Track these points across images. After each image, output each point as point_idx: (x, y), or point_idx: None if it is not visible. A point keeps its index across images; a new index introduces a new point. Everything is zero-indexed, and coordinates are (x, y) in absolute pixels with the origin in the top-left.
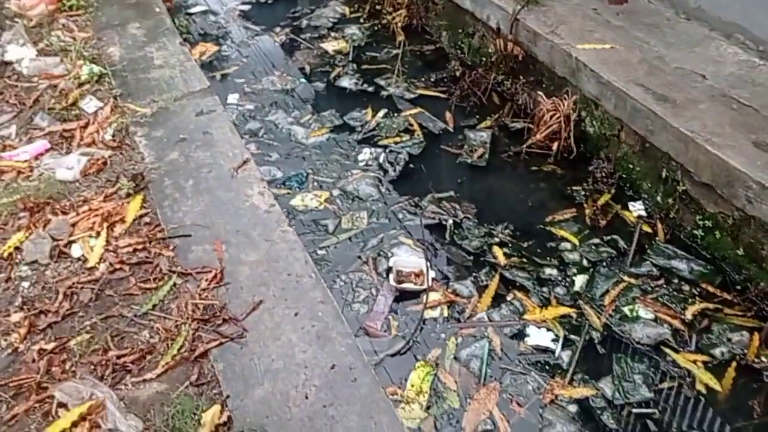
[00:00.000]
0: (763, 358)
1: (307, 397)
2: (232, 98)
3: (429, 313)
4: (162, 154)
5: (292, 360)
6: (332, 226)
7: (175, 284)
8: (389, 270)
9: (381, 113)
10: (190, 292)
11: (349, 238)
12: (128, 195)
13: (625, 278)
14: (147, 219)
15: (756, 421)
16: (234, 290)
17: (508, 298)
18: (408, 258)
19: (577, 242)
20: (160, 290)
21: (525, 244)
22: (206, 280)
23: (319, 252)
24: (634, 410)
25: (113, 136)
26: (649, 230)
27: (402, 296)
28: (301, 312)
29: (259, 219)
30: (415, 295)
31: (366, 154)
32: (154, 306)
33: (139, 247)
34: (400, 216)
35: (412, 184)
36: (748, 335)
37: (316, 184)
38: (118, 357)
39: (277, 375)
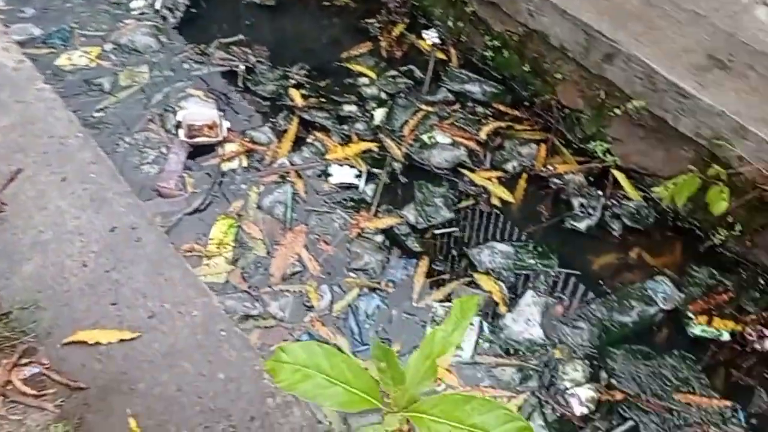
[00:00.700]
0: (549, 167)
1: (85, 265)
2: None
3: (227, 165)
4: None
5: (63, 228)
6: (109, 84)
7: None
8: (179, 125)
9: None
10: None
11: (130, 96)
12: None
13: (423, 107)
14: None
15: (544, 224)
16: None
17: (309, 140)
18: (199, 110)
19: (374, 76)
20: None
21: (322, 84)
22: None
23: (96, 114)
24: (437, 231)
25: None
26: (444, 57)
27: (196, 151)
28: (70, 176)
29: (7, 78)
30: (210, 148)
31: (139, 0)
32: None
33: None
34: (186, 66)
35: (197, 30)
36: (536, 147)
37: (83, 39)
38: None
39: (47, 246)
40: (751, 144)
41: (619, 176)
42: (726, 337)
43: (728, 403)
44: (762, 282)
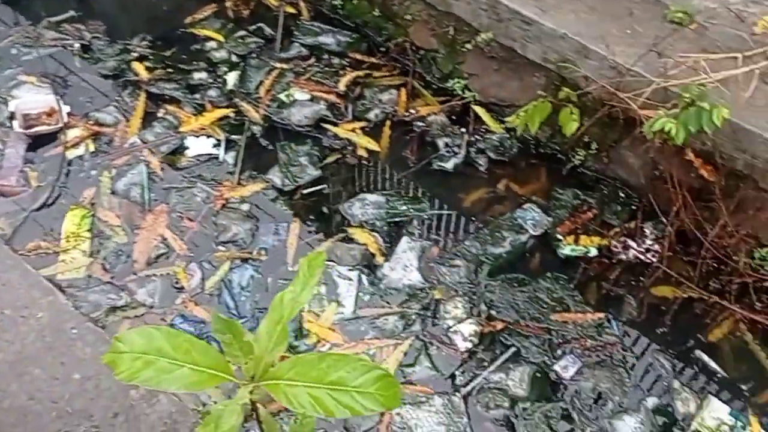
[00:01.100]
0: (411, 111)
1: None
2: None
3: (72, 153)
4: None
5: None
6: None
7: None
8: (12, 116)
9: None
10: None
11: None
12: None
13: (277, 65)
14: None
15: (412, 169)
16: None
17: (160, 115)
18: (33, 97)
19: (222, 39)
20: None
21: (167, 53)
22: None
23: None
24: (305, 191)
25: None
26: (293, 11)
27: (36, 142)
28: None
29: None
30: (51, 137)
31: None
32: None
33: None
34: (14, 51)
35: (21, 11)
36: (396, 92)
37: None
38: None
39: None
40: (594, 63)
41: (480, 111)
42: (594, 252)
43: (601, 315)
44: (622, 195)
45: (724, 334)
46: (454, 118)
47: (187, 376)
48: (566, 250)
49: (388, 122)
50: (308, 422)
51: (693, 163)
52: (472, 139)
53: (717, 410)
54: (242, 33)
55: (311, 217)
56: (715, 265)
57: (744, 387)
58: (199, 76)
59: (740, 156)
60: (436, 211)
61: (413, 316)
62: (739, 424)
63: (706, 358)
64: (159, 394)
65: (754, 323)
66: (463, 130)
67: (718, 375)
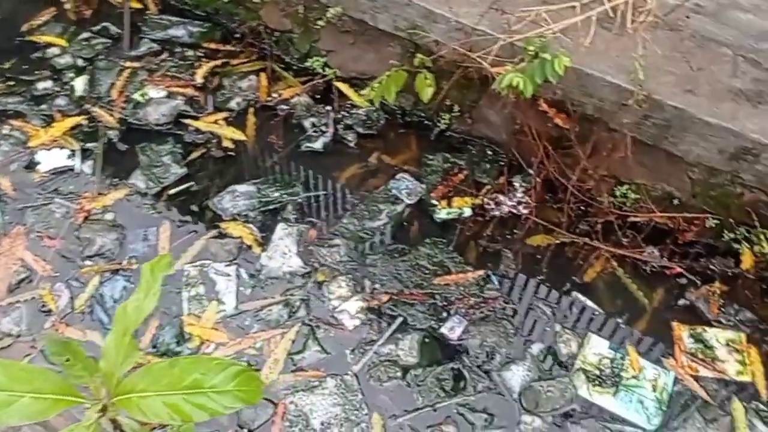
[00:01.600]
0: (274, 95)
1: None
2: None
3: None
4: None
5: None
6: None
7: None
8: None
9: None
10: None
11: None
12: None
13: (127, 64)
14: None
15: (281, 154)
16: None
17: (5, 132)
18: None
19: (65, 43)
20: None
21: (6, 65)
22: None
23: None
24: (172, 191)
25: None
26: (139, 6)
27: None
28: None
29: None
30: None
31: None
32: None
33: None
34: None
35: None
36: (256, 78)
37: None
38: None
39: None
40: (442, 26)
41: (343, 87)
42: (468, 213)
43: (481, 272)
44: (489, 153)
45: (598, 273)
46: (318, 97)
47: (28, 406)
48: (442, 214)
49: (251, 109)
50: (186, 428)
51: (548, 114)
52: (339, 116)
53: (597, 346)
54: (86, 35)
55: (181, 217)
56: (582, 208)
57: (620, 320)
58: (44, 85)
59: (588, 101)
60: (310, 194)
61: (297, 303)
62: (618, 355)
63: (582, 298)
64: (21, 427)
65: (623, 258)
66: (329, 108)
67: (596, 312)
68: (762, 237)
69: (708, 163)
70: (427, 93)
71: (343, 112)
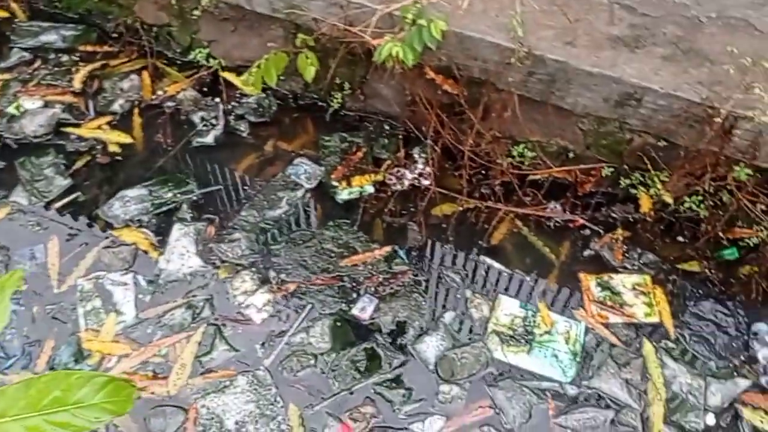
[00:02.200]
0: (159, 92)
1: None
2: None
3: None
4: None
5: None
6: None
7: None
8: None
9: None
10: None
11: None
12: None
13: None
14: None
15: (171, 153)
16: None
17: None
18: None
19: None
20: None
21: None
22: None
23: None
24: (57, 204)
25: None
26: (5, 14)
27: None
28: None
29: None
30: None
31: None
32: None
33: None
34: None
35: None
36: (138, 77)
37: None
38: None
39: None
40: (319, 2)
41: (229, 76)
42: (370, 190)
43: (388, 248)
44: (387, 128)
45: (504, 235)
46: (205, 90)
47: None
48: (343, 194)
49: (136, 110)
50: None
51: (435, 81)
52: (229, 107)
53: (508, 307)
54: None
55: (70, 230)
56: (483, 172)
57: (529, 278)
58: None
59: (473, 63)
60: (205, 190)
61: (201, 303)
62: (530, 313)
63: (490, 261)
64: None
65: (526, 217)
66: (218, 100)
67: (505, 273)
68: (656, 179)
69: (595, 112)
70: (309, 72)
71: (233, 103)
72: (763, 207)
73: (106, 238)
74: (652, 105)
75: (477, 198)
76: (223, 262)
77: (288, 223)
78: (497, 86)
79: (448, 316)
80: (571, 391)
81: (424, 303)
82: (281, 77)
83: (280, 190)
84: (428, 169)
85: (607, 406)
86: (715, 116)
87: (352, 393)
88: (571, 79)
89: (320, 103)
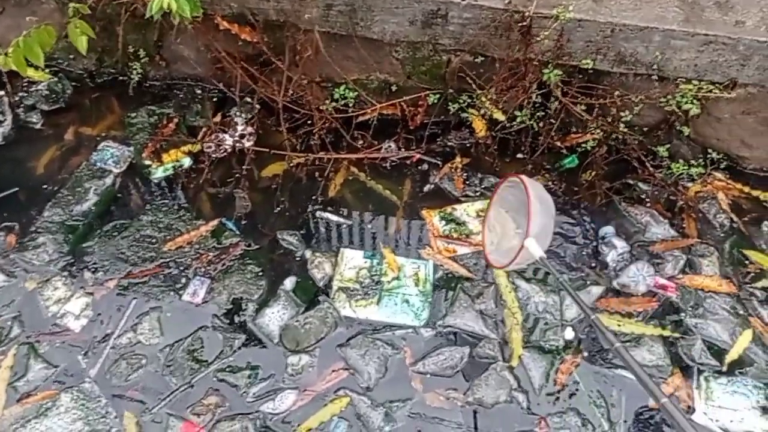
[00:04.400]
0: None
1: None
2: None
3: None
4: None
5: None
6: None
7: None
8: None
9: None
10: None
11: None
12: None
13: None
14: None
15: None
16: None
17: None
18: None
19: None
20: None
21: None
22: None
23: None
24: None
25: None
26: None
27: None
28: None
29: None
30: None
31: None
32: None
33: None
34: None
35: None
36: None
37: None
38: None
39: None
40: None
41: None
42: (188, 163)
43: (214, 222)
44: (198, 92)
45: (340, 185)
46: None
47: None
48: (158, 172)
49: None
50: None
51: (232, 31)
52: (16, 98)
53: (352, 260)
54: None
55: None
56: (309, 122)
57: (371, 225)
58: None
59: (266, 5)
60: None
61: (8, 323)
62: (375, 262)
63: (328, 215)
64: None
65: (360, 162)
66: (1, 92)
67: (345, 225)
68: (483, 98)
69: (406, 38)
70: (82, 43)
71: (20, 93)
72: (583, 107)
73: None
74: (458, 20)
75: (305, 152)
76: (29, 272)
77: (99, 215)
78: (298, 26)
79: (289, 283)
80: (426, 333)
81: (261, 274)
82: (72, 57)
83: (86, 180)
84: (249, 129)
85: (464, 342)
86: (522, 21)
87: (192, 386)
88: (371, 6)
89: (120, 78)
